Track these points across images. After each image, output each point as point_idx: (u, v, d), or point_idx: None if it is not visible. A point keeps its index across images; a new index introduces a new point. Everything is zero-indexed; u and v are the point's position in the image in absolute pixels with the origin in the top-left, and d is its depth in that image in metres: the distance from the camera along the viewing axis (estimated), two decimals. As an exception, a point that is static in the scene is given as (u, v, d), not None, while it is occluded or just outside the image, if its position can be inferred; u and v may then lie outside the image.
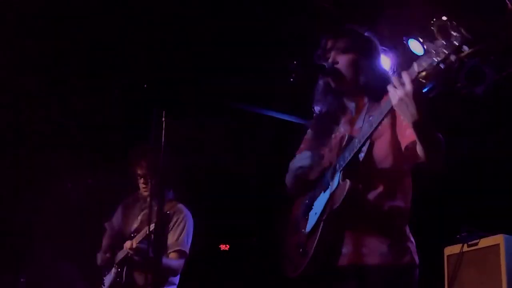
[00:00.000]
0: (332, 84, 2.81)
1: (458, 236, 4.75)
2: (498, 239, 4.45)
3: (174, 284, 4.21)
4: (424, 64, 2.27)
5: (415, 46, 5.19)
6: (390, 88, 2.37)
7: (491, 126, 5.25)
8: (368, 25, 2.94)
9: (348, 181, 2.52)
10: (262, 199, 6.65)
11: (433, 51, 2.25)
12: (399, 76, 2.34)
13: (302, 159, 2.74)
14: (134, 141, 4.31)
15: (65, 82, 5.31)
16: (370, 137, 2.51)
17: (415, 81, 2.30)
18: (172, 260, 4.11)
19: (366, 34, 2.91)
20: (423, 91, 5.54)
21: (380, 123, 2.47)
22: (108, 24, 4.86)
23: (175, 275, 4.16)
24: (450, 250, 4.78)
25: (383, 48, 3.00)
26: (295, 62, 2.65)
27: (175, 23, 4.95)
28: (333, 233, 2.58)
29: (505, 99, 5.13)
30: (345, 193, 2.50)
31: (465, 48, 2.20)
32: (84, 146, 5.68)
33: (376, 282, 2.52)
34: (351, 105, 2.86)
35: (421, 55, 2.32)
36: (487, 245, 4.51)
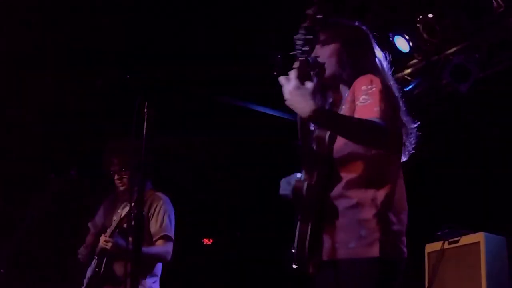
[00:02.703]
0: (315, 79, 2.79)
1: (439, 233, 4.77)
2: (478, 236, 4.47)
3: (156, 275, 4.20)
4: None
5: (401, 43, 5.21)
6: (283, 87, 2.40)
7: (474, 124, 5.28)
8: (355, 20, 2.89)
9: (295, 179, 2.52)
10: (246, 193, 6.65)
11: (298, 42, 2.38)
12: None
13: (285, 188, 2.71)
14: (115, 133, 4.30)
15: (48, 74, 5.27)
16: (301, 132, 2.49)
17: (300, 76, 2.35)
18: (159, 246, 4.11)
19: (356, 24, 2.81)
20: (409, 88, 5.52)
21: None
22: (93, 14, 4.84)
23: (165, 261, 4.16)
24: (431, 247, 4.81)
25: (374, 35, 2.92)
26: (279, 56, 2.63)
27: (161, 13, 4.93)
28: (310, 230, 2.52)
29: (489, 96, 5.16)
30: (291, 190, 2.50)
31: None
32: (66, 137, 5.65)
33: (344, 277, 2.48)
34: (337, 98, 2.81)
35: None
36: (468, 242, 4.54)
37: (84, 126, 5.64)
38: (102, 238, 3.98)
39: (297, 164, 2.86)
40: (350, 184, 2.52)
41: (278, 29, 4.92)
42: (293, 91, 2.34)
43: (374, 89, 2.49)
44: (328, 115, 2.42)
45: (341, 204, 2.52)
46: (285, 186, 2.65)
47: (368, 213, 2.49)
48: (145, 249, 3.72)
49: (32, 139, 5.67)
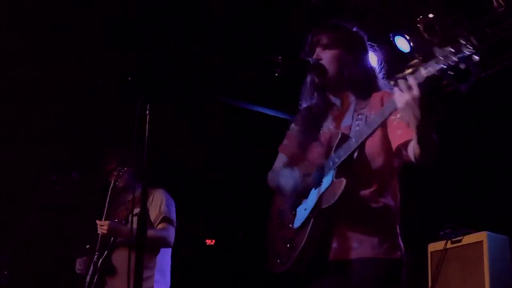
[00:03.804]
0: (316, 80, 2.82)
1: (441, 233, 4.77)
2: (481, 236, 4.48)
3: (160, 269, 4.20)
4: (432, 69, 2.29)
5: (402, 43, 5.22)
6: (396, 91, 2.38)
7: (476, 123, 5.28)
8: (355, 21, 2.93)
9: (344, 179, 2.53)
10: (247, 194, 6.65)
11: (441, 57, 2.27)
12: (404, 79, 2.35)
13: (291, 178, 2.73)
14: (117, 134, 4.32)
15: (50, 74, 5.28)
16: (368, 137, 2.54)
17: (421, 86, 2.32)
18: (161, 229, 4.14)
19: (354, 29, 2.90)
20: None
21: (381, 124, 2.50)
22: (94, 14, 4.84)
23: (167, 245, 4.17)
24: (434, 246, 4.81)
25: (370, 44, 3.01)
26: (279, 57, 2.65)
27: (162, 13, 4.94)
28: (324, 229, 2.60)
29: (490, 96, 5.17)
30: (342, 190, 2.51)
31: (476, 57, 2.23)
32: (68, 139, 5.66)
33: (366, 273, 2.55)
34: (337, 101, 2.86)
35: (430, 61, 2.32)
36: (471, 242, 4.54)
37: (86, 127, 5.65)
38: (98, 223, 4.01)
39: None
40: (378, 191, 2.65)
41: (279, 30, 4.95)
42: (416, 99, 2.31)
43: None
44: (430, 129, 2.44)
45: (369, 206, 2.63)
46: (289, 177, 2.70)
47: (391, 219, 2.67)
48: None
49: (33, 140, 5.67)
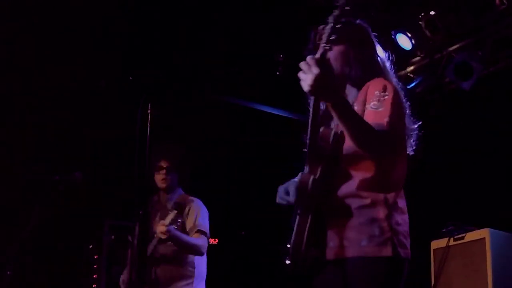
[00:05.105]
0: None
1: (444, 230, 4.77)
2: (484, 233, 4.47)
3: (192, 277, 4.31)
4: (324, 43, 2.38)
5: (403, 40, 5.21)
6: (300, 74, 2.32)
7: (478, 121, 5.28)
8: (357, 17, 2.89)
9: (300, 173, 2.49)
10: (250, 192, 6.65)
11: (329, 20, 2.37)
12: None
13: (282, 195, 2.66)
14: (118, 134, 4.32)
15: (50, 74, 5.28)
16: (311, 126, 2.47)
17: (321, 64, 2.29)
18: (195, 238, 4.27)
19: (357, 22, 2.80)
20: (412, 85, 5.51)
21: (314, 117, 2.46)
22: (95, 14, 4.84)
23: (199, 253, 4.29)
24: (437, 244, 4.80)
25: (375, 34, 2.92)
26: (281, 56, 2.63)
27: (162, 13, 4.94)
28: (305, 226, 2.51)
29: (493, 93, 5.16)
30: (296, 185, 2.48)
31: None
32: (70, 139, 5.66)
33: (355, 274, 2.48)
34: None
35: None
36: (473, 239, 4.53)
37: (86, 127, 5.65)
38: (161, 224, 4.03)
39: (300, 162, 2.87)
40: (364, 184, 2.53)
41: (280, 29, 4.94)
42: (319, 78, 2.27)
43: (386, 97, 2.51)
44: (347, 108, 2.40)
45: (354, 203, 2.53)
46: (283, 195, 2.62)
47: (381, 213, 2.51)
48: (184, 236, 4.14)
49: (36, 140, 5.67)
